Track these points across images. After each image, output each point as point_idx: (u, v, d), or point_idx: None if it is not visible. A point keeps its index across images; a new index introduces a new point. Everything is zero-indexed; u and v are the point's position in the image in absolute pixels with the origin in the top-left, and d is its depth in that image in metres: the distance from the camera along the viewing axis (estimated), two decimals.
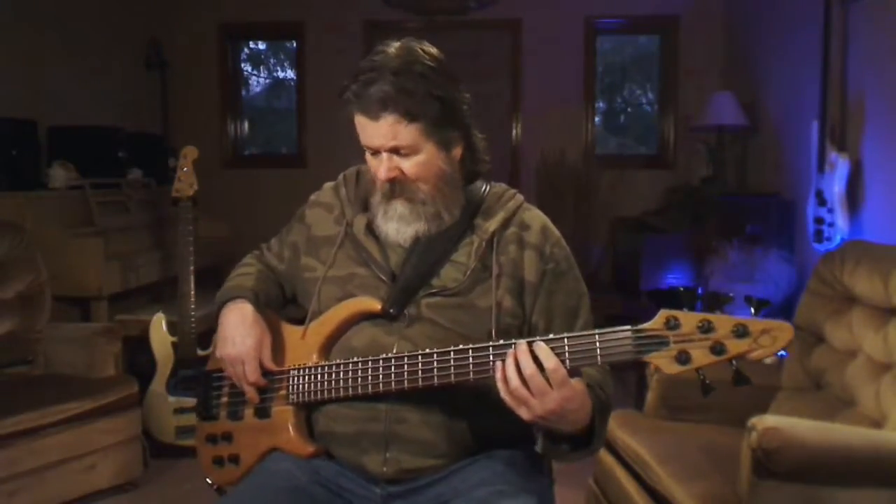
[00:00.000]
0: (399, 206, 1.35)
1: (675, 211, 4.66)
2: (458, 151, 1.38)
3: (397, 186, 1.34)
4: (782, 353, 2.51)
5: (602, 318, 1.28)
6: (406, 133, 1.28)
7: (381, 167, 1.32)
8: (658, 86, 5.43)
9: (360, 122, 1.31)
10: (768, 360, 2.56)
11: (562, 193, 5.01)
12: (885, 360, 1.96)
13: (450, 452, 1.32)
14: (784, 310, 3.25)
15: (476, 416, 1.32)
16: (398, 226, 1.36)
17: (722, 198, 4.18)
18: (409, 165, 1.32)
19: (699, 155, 4.83)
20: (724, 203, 4.10)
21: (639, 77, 5.84)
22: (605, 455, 2.25)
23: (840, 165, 2.99)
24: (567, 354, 1.13)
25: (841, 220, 3.00)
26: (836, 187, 3.01)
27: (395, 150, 1.31)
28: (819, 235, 3.08)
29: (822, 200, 3.07)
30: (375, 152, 1.33)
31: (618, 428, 2.21)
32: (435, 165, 1.33)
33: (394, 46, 1.32)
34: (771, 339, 1.06)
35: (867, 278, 2.08)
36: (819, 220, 3.08)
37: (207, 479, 1.49)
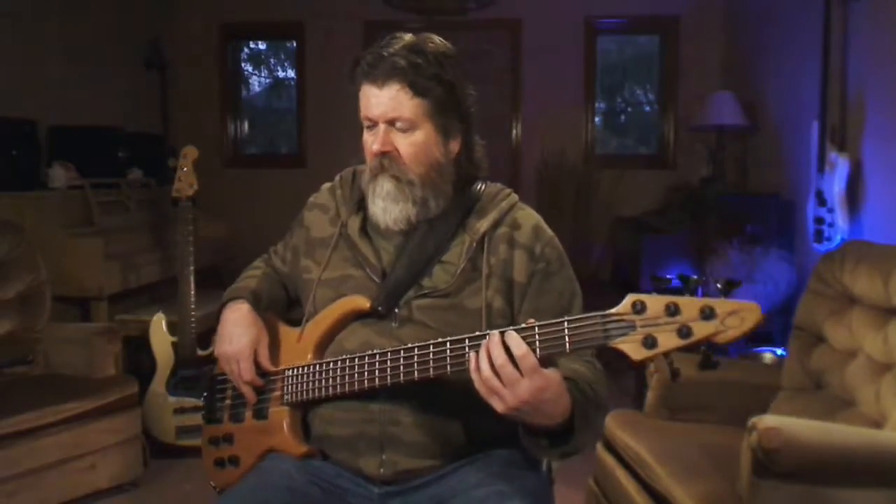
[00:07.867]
0: (385, 183, 1.32)
1: (675, 211, 4.66)
2: (455, 145, 1.37)
3: (386, 161, 1.32)
4: (782, 352, 2.51)
5: None
6: (408, 106, 1.29)
7: (375, 139, 1.31)
8: (658, 86, 5.43)
9: (366, 92, 1.31)
10: (769, 358, 2.57)
11: (562, 193, 5.01)
12: (885, 360, 1.96)
13: (445, 453, 1.32)
14: (784, 310, 3.25)
15: (470, 416, 1.31)
16: (384, 204, 1.33)
17: (722, 198, 4.17)
18: (404, 143, 1.31)
19: (699, 155, 4.83)
20: (724, 203, 4.10)
21: (639, 77, 5.84)
22: (605, 455, 2.25)
23: (840, 165, 2.99)
24: (538, 343, 1.11)
25: (841, 220, 3.00)
26: (836, 187, 3.01)
27: (392, 123, 1.30)
28: (819, 235, 3.08)
29: (822, 200, 3.07)
30: (372, 125, 1.32)
31: (618, 428, 2.21)
32: (430, 150, 1.32)
33: (409, 34, 1.34)
34: (738, 320, 1.01)
35: (867, 278, 2.08)
36: (819, 220, 3.08)
37: (211, 483, 1.50)
